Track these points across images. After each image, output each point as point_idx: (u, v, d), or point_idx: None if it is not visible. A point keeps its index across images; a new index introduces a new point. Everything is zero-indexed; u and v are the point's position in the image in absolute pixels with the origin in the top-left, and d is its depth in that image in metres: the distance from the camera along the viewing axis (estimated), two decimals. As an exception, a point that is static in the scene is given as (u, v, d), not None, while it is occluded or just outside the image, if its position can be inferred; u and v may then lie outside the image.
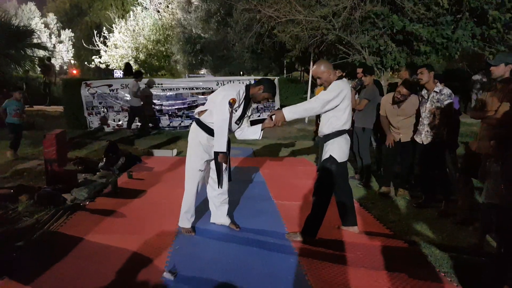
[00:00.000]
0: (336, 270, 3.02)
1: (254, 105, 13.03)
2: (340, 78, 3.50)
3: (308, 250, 3.36)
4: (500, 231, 3.24)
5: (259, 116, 11.56)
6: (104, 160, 6.16)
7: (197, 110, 3.67)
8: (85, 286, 2.73)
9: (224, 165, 3.63)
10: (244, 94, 3.50)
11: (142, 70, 11.95)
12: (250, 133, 3.67)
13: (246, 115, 3.66)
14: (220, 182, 3.66)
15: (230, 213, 3.95)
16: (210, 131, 3.51)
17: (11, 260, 3.03)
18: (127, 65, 14.33)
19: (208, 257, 3.22)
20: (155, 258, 3.16)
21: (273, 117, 3.45)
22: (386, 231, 3.89)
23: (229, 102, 3.33)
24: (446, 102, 4.33)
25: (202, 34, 18.81)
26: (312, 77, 3.73)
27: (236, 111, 3.47)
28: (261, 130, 3.63)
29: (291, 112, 3.40)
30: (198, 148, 3.56)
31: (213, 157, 3.58)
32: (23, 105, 7.82)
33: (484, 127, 3.70)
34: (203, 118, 3.55)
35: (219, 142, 3.40)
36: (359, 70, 5.74)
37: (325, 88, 3.54)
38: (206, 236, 3.66)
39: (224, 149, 3.43)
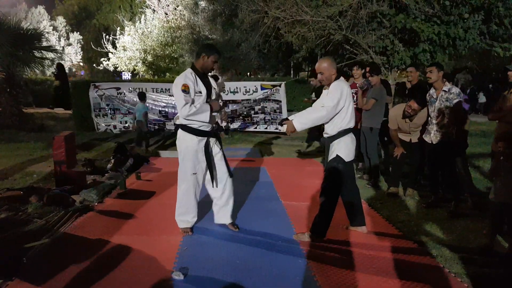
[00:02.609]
0: (344, 270, 3.00)
1: (261, 116, 12.75)
2: (337, 78, 3.49)
3: (316, 251, 3.35)
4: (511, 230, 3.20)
5: (266, 128, 11.42)
6: (113, 162, 6.20)
7: (175, 117, 3.69)
8: (94, 287, 2.75)
9: (223, 161, 3.68)
10: (194, 74, 3.52)
11: (217, 74, 12.23)
12: None
13: (214, 90, 3.65)
14: (212, 179, 3.68)
15: (236, 213, 3.95)
16: (194, 131, 3.54)
17: (20, 261, 3.06)
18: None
19: (216, 258, 3.22)
20: (163, 259, 3.16)
21: (283, 127, 3.47)
22: (395, 232, 3.86)
23: (182, 90, 3.38)
24: (455, 101, 4.29)
25: (209, 36, 18.84)
26: (314, 71, 3.74)
27: (200, 92, 3.49)
28: None
29: (301, 123, 3.42)
30: (188, 152, 3.59)
31: (204, 160, 3.61)
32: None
33: (500, 126, 3.78)
34: (181, 121, 3.58)
35: (201, 115, 3.43)
36: (367, 69, 5.72)
37: (322, 85, 3.57)
38: (213, 237, 3.66)
39: (208, 110, 3.44)
